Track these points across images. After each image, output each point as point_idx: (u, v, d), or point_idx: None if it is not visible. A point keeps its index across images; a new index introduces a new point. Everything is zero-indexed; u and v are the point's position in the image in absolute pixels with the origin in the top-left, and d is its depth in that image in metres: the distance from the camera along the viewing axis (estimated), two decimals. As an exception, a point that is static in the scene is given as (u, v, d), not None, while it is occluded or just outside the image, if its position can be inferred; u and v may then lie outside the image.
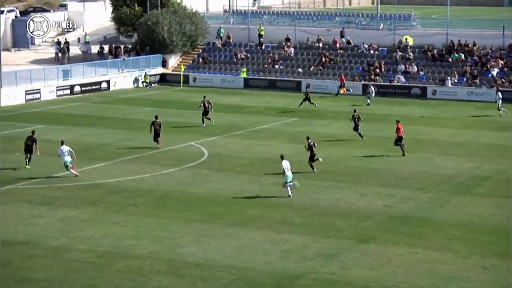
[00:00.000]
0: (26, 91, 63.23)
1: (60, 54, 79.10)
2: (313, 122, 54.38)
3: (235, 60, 77.38)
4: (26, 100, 62.77)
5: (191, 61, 78.92)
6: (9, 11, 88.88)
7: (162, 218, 32.07)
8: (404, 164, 41.77)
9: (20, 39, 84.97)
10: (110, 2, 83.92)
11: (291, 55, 76.18)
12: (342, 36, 76.82)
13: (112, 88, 71.17)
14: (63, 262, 26.71)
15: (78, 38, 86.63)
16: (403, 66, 70.53)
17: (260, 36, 78.93)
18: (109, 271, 26.01)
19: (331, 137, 48.71)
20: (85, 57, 78.50)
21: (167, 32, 76.50)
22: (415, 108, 61.34)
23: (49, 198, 34.63)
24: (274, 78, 73.15)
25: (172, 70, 78.09)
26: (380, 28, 78.44)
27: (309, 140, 39.55)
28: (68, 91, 66.93)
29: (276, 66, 74.86)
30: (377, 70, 70.63)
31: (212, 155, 44.14)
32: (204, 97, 53.20)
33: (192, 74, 75.64)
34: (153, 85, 74.50)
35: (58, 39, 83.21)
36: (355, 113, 47.68)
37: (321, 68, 73.40)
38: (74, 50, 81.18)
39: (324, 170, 39.73)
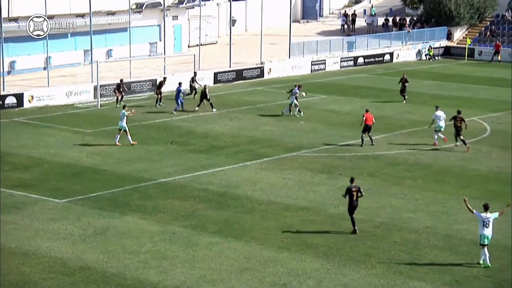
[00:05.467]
0: (312, 61, 65.17)
1: (346, 26, 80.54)
2: None
3: (525, 33, 74.36)
4: (311, 71, 64.72)
5: (477, 34, 76.88)
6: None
7: (440, 193, 31.87)
8: None
9: (309, 10, 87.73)
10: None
11: None
12: None
13: (395, 60, 71.30)
14: (341, 230, 27.47)
15: (364, 10, 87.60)
16: None
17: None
18: (385, 242, 26.39)
19: None
20: (370, 29, 79.29)
21: (454, 4, 75.06)
22: None
23: (329, 167, 35.63)
24: None
25: (457, 43, 76.59)
26: None
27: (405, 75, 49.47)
28: (352, 63, 68.02)
29: None
30: None
31: (495, 131, 42.97)
32: (404, 75, 52.07)
33: (478, 47, 73.70)
34: (436, 58, 73.62)
35: (345, 11, 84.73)
36: None
37: None
38: (360, 22, 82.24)
39: None
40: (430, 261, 24.88)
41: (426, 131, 42.60)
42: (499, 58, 70.53)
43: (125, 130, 38.41)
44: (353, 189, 27.10)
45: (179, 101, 46.78)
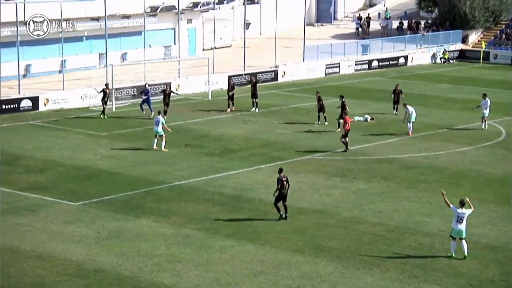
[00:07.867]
0: (326, 65, 65.14)
1: (360, 29, 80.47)
2: None
3: (542, 36, 74.07)
4: (325, 74, 64.68)
5: (492, 37, 76.63)
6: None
7: (454, 197, 31.55)
8: None
9: (324, 14, 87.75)
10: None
11: None
12: None
13: (409, 63, 71.16)
14: (355, 233, 27.44)
15: (379, 13, 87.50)
16: None
17: None
18: (399, 246, 26.31)
19: None
20: (384, 32, 79.21)
21: (469, 7, 74.84)
22: None
23: (343, 170, 35.58)
24: None
25: (472, 47, 76.38)
26: None
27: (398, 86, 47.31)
28: (366, 66, 67.94)
29: None
30: None
31: (510, 135, 42.78)
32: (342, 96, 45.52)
33: (493, 50, 73.47)
34: (451, 61, 73.42)
35: (360, 14, 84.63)
36: None
37: None
38: (374, 25, 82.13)
39: None
40: (444, 265, 24.80)
41: (441, 135, 42.54)
42: None
43: (160, 135, 38.51)
44: (283, 179, 28.49)
45: (143, 106, 46.93)
